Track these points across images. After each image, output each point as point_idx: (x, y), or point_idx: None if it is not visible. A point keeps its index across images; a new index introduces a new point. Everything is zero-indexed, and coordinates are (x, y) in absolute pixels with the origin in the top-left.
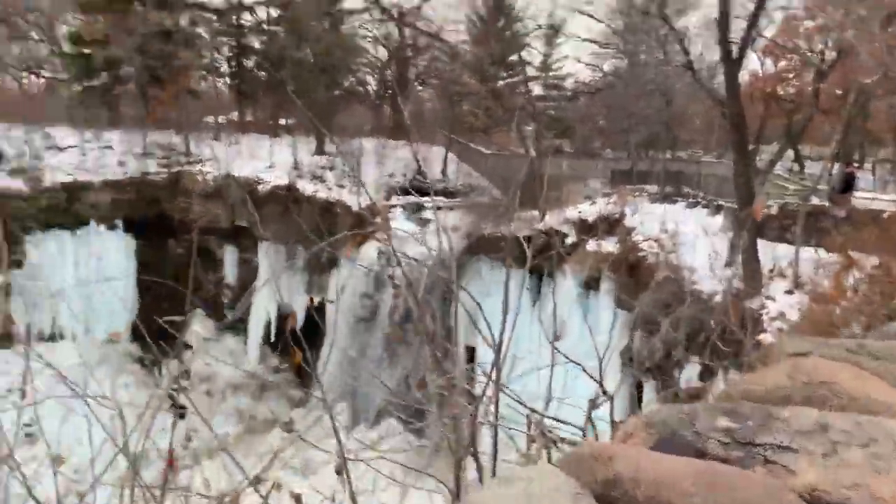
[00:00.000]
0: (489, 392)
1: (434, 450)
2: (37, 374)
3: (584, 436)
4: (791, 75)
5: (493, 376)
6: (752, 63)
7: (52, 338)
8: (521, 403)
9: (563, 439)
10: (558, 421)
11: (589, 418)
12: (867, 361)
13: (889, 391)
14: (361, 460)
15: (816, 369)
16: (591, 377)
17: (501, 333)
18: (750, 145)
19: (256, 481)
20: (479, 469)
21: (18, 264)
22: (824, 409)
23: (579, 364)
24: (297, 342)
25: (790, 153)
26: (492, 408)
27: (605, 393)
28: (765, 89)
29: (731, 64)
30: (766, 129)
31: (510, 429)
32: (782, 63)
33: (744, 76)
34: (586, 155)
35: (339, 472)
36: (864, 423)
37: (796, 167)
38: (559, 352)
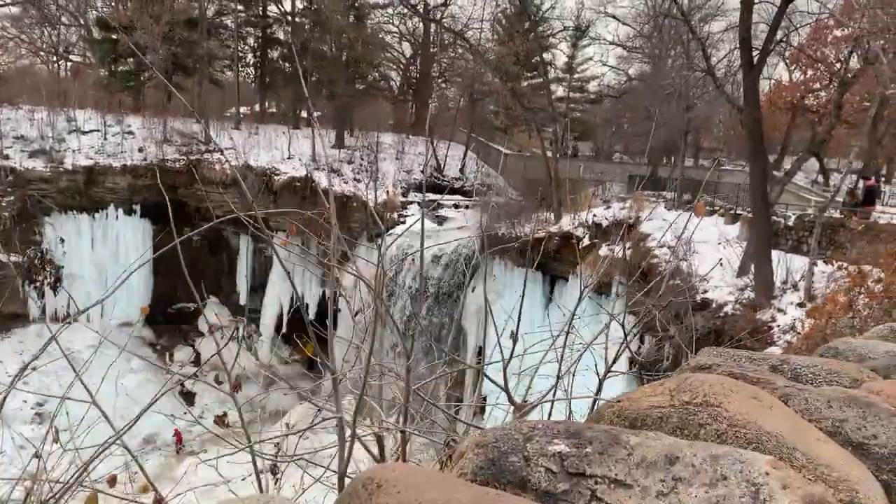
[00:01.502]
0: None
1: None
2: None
3: None
4: (817, 85)
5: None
6: (781, 71)
7: (66, 318)
8: (436, 406)
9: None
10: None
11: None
12: (783, 381)
13: (785, 418)
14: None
15: (704, 389)
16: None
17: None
18: (773, 154)
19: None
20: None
21: (36, 244)
22: (700, 435)
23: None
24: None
25: (816, 164)
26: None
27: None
28: (790, 98)
29: (751, 71)
30: (792, 138)
31: (421, 435)
32: (810, 72)
33: (768, 84)
34: (607, 159)
35: (273, 472)
36: (721, 458)
37: (821, 178)
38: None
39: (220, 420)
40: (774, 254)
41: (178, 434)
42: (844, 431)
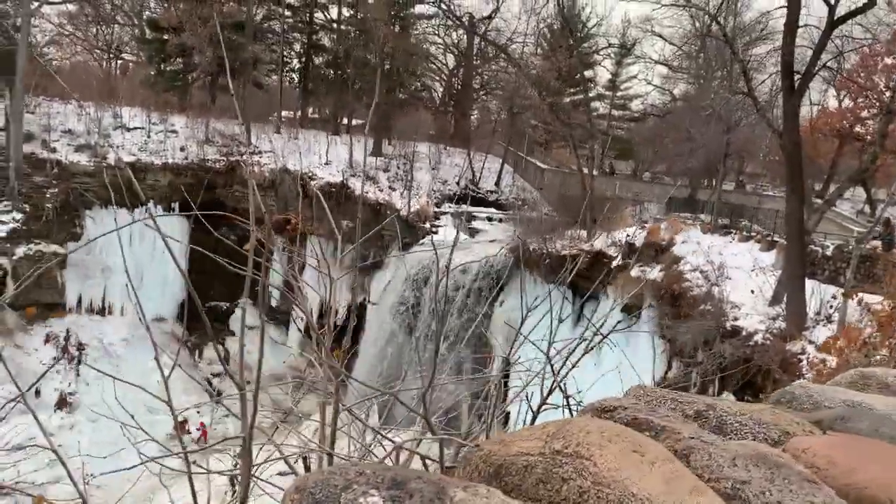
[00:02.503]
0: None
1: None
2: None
3: None
4: (865, 113)
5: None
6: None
7: (101, 311)
8: (366, 425)
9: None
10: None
11: None
12: (691, 430)
13: (664, 477)
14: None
15: (580, 437)
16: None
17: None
18: (819, 182)
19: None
20: None
21: (76, 237)
22: (562, 491)
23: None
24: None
25: (864, 194)
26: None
27: None
28: (836, 126)
29: (791, 95)
30: (839, 167)
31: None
32: (860, 100)
33: (813, 110)
34: (646, 178)
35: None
36: None
37: (867, 209)
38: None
39: (182, 426)
40: (809, 284)
41: (203, 429)
42: (745, 495)
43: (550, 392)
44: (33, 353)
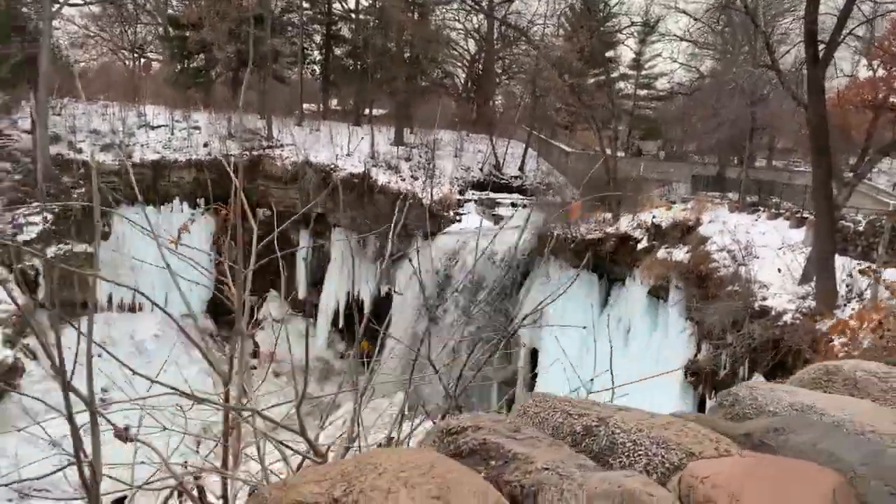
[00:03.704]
0: None
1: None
2: (116, 342)
3: None
4: None
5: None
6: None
7: (132, 308)
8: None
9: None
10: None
11: None
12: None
13: None
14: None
15: (370, 479)
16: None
17: None
18: (852, 156)
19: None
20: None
21: (105, 236)
22: None
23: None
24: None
25: None
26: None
27: None
28: (868, 97)
29: (816, 65)
30: (875, 139)
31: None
32: (894, 69)
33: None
34: (673, 158)
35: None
36: None
37: None
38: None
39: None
40: (840, 260)
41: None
42: None
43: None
44: (67, 352)
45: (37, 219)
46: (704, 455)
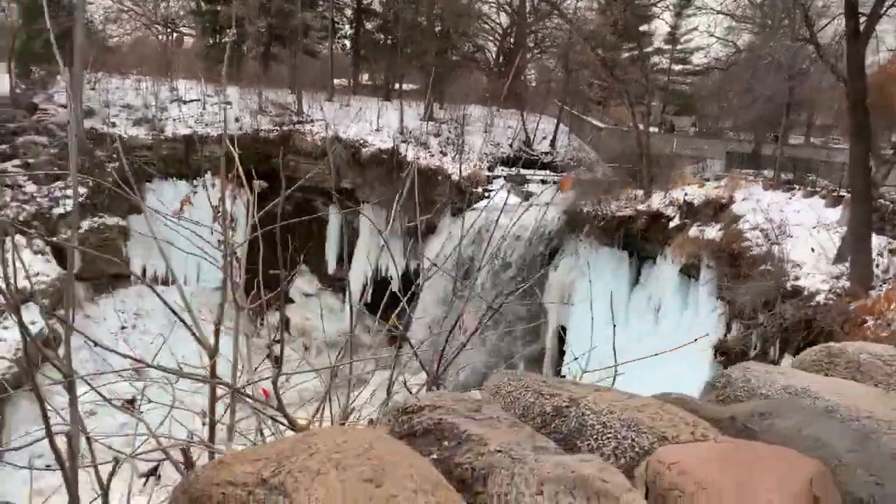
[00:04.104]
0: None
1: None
2: (149, 314)
3: None
4: None
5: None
6: None
7: (165, 282)
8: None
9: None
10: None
11: None
12: (501, 441)
13: None
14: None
15: (300, 459)
16: None
17: None
18: (892, 133)
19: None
20: None
21: (137, 210)
22: None
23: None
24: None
25: None
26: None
27: None
28: None
29: (856, 38)
30: None
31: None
32: None
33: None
34: (709, 134)
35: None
36: None
37: None
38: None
39: (130, 404)
40: (877, 240)
41: (265, 393)
42: None
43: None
44: (102, 323)
45: (71, 192)
46: (679, 440)
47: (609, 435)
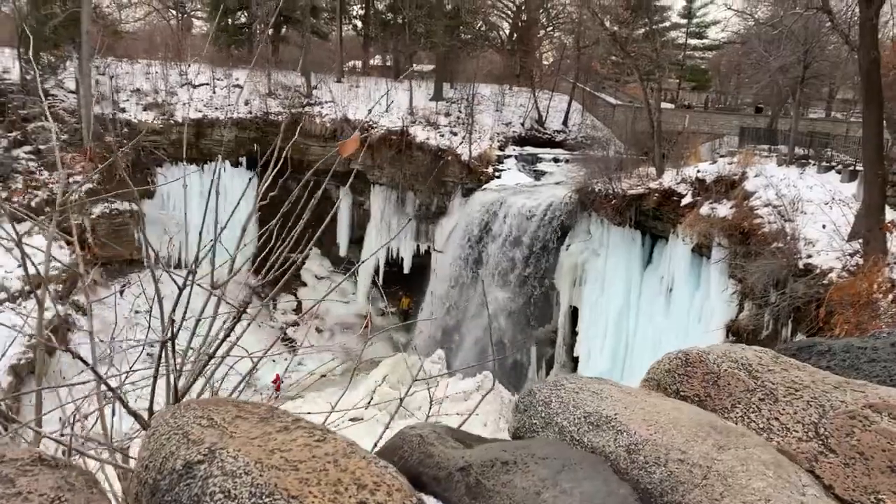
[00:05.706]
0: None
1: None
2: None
3: None
4: None
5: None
6: None
7: (178, 265)
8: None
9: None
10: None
11: None
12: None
13: None
14: None
15: None
16: None
17: None
18: None
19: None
20: None
21: (150, 195)
22: None
23: None
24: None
25: None
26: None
27: None
28: None
29: (868, 6)
30: None
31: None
32: None
33: None
34: (726, 110)
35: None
36: None
37: None
38: None
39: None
40: (892, 215)
41: (277, 379)
42: None
43: None
44: (115, 308)
45: (83, 177)
46: None
47: None
